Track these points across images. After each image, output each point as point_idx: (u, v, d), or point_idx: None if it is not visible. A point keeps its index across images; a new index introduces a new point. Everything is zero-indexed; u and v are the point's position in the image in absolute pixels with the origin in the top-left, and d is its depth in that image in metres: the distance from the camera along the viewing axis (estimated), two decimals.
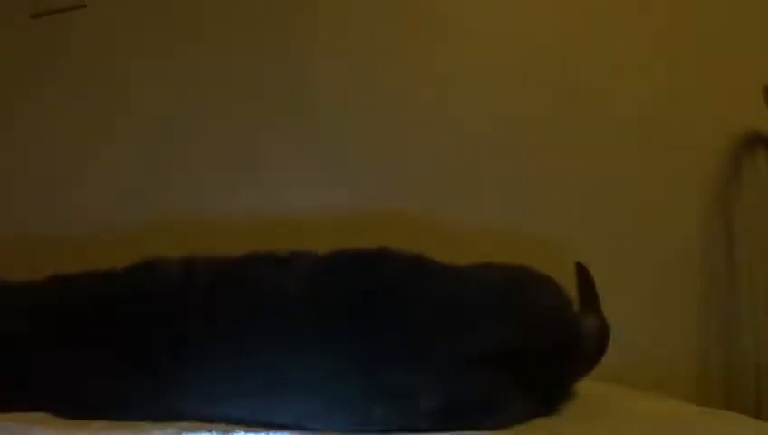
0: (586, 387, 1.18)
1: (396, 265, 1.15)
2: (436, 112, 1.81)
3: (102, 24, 1.85)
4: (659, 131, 1.79)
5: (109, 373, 1.03)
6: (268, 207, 1.77)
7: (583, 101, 1.80)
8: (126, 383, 1.03)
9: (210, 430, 0.98)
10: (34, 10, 1.85)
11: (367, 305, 1.06)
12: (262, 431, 0.99)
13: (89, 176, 1.81)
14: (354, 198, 1.78)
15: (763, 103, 1.69)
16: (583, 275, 1.40)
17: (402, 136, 1.81)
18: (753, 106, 1.71)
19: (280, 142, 1.81)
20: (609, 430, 1.03)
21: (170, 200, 1.78)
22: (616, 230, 1.77)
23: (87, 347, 1.05)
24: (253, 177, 1.80)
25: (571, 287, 1.23)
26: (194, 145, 1.81)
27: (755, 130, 1.77)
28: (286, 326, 1.04)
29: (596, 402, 1.16)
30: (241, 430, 0.99)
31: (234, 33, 1.84)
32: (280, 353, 1.02)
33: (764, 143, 1.77)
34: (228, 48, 1.83)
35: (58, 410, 1.03)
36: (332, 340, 1.02)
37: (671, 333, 1.74)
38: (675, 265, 1.77)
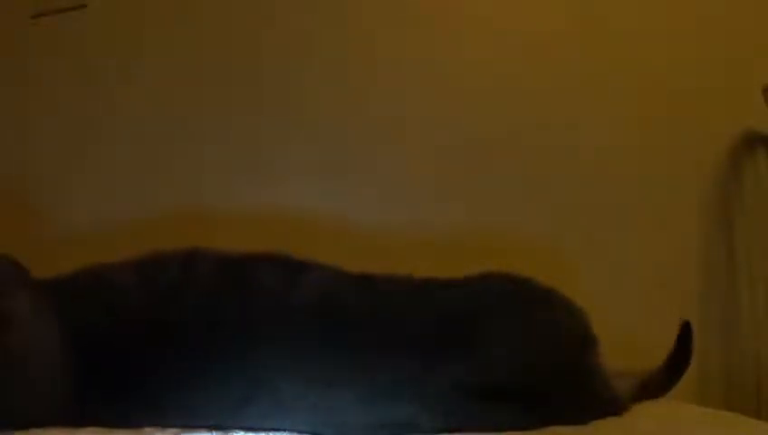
0: None
1: (401, 289, 1.12)
2: (436, 113, 1.81)
3: (102, 24, 1.85)
4: (659, 131, 1.79)
5: (108, 380, 0.98)
6: (268, 208, 1.76)
7: (583, 100, 1.80)
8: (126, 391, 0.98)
9: (210, 431, 0.97)
10: (34, 10, 1.84)
11: (379, 332, 1.03)
12: (261, 432, 0.98)
13: (89, 175, 1.81)
14: (353, 198, 1.78)
15: (763, 103, 1.69)
16: (685, 335, 1.35)
17: (402, 137, 1.81)
18: (753, 106, 1.71)
19: (280, 142, 1.81)
20: (610, 431, 1.03)
21: (170, 200, 1.78)
22: (616, 230, 1.77)
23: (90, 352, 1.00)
24: (253, 176, 1.80)
25: (574, 288, 1.23)
26: (194, 144, 1.81)
27: (755, 130, 1.77)
28: (293, 346, 1.01)
29: None
30: (240, 430, 0.98)
31: (234, 32, 1.84)
32: (283, 376, 0.99)
33: (764, 143, 1.77)
34: (228, 48, 1.83)
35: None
36: (343, 369, 1.00)
37: (671, 333, 1.74)
38: (675, 265, 1.77)
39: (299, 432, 0.97)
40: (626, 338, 1.55)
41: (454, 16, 1.85)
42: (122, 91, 1.83)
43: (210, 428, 0.97)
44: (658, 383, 1.31)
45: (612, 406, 1.11)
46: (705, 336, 1.76)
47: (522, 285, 1.17)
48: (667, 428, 1.07)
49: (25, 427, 0.91)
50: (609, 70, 1.81)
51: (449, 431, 0.98)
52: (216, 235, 1.69)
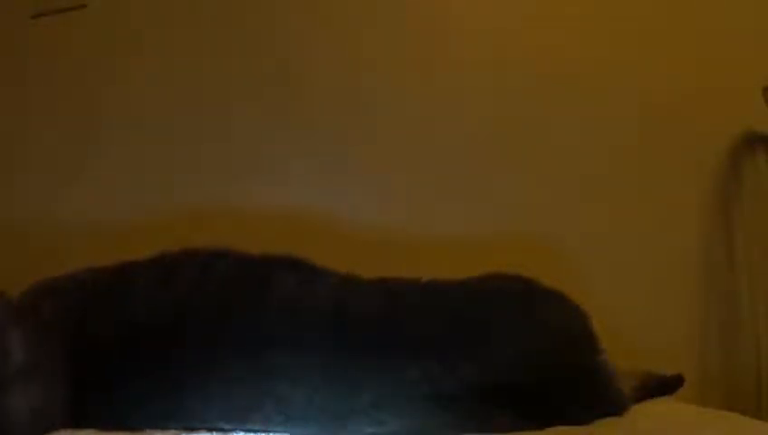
0: None
1: (409, 292, 1.12)
2: (435, 113, 1.81)
3: (102, 24, 1.85)
4: (659, 132, 1.80)
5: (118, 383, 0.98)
6: (267, 208, 1.76)
7: (583, 101, 1.80)
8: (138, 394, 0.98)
9: (210, 431, 0.97)
10: (34, 10, 1.85)
11: (396, 338, 1.03)
12: (260, 432, 0.98)
13: (88, 176, 1.81)
14: (354, 198, 1.78)
15: (763, 103, 1.69)
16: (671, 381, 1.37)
17: (402, 136, 1.81)
18: (753, 106, 1.71)
19: (280, 142, 1.81)
20: (612, 430, 1.03)
21: (170, 200, 1.78)
22: (616, 230, 1.77)
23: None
24: (252, 177, 1.80)
25: (574, 288, 1.23)
26: (194, 145, 1.81)
27: (755, 130, 1.77)
28: (304, 350, 1.00)
29: None
30: (241, 430, 0.98)
31: (233, 33, 1.84)
32: (292, 381, 0.98)
33: (764, 143, 1.77)
34: (228, 48, 1.83)
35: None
36: (351, 373, 1.00)
37: (671, 333, 1.74)
38: (675, 265, 1.77)
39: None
40: (626, 338, 1.56)
41: (454, 17, 1.85)
42: (122, 92, 1.83)
43: (211, 429, 0.97)
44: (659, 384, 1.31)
45: (614, 406, 1.11)
46: (705, 336, 1.76)
47: (525, 286, 1.17)
48: (667, 428, 1.08)
49: None
50: (610, 70, 1.81)
51: (456, 433, 0.98)
52: (215, 235, 1.69)
